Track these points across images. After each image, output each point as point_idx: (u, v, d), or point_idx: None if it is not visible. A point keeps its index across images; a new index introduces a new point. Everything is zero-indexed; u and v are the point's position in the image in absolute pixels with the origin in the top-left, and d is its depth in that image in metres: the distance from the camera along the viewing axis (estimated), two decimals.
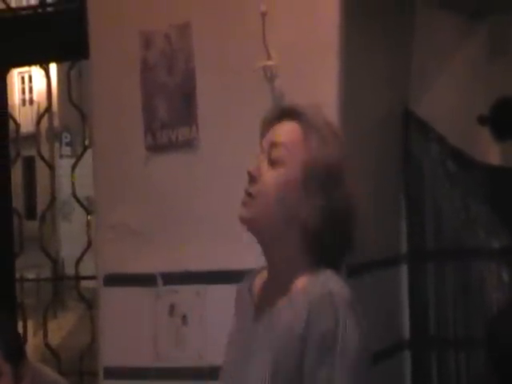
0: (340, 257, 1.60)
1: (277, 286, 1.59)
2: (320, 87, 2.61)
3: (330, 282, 1.52)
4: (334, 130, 1.62)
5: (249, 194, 1.58)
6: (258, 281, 1.68)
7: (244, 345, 1.60)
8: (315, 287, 1.52)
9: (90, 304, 3.74)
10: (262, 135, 1.64)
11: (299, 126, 1.59)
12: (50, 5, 3.81)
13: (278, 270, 1.60)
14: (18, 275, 4.09)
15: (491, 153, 3.12)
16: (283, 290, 1.57)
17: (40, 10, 3.74)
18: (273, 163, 1.58)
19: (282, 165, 1.57)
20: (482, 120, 3.07)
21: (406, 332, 3.00)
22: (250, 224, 1.59)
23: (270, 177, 1.57)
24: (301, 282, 1.55)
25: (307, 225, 1.56)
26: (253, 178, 1.58)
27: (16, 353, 2.18)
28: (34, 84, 22.30)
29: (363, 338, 1.50)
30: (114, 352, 2.89)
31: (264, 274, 1.67)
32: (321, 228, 1.56)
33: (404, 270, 3.00)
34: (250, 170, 1.59)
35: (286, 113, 1.63)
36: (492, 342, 2.21)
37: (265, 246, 1.61)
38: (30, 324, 4.25)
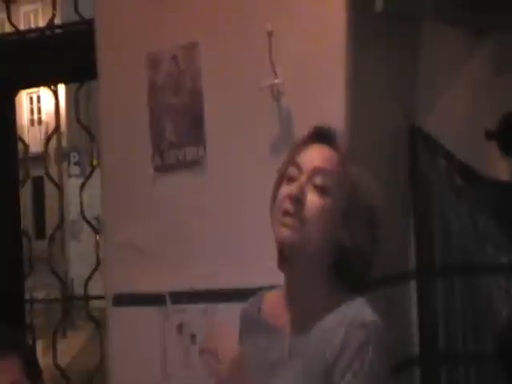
0: (362, 281, 1.63)
1: (301, 310, 1.59)
2: (327, 104, 2.62)
3: (363, 312, 1.55)
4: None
5: (294, 216, 1.56)
6: (269, 304, 1.66)
7: (262, 367, 1.59)
8: (348, 317, 1.53)
9: (99, 324, 3.74)
10: (296, 152, 1.64)
11: (335, 154, 1.63)
12: (57, 27, 3.85)
13: (302, 295, 1.59)
14: (27, 296, 4.09)
15: (499, 168, 3.12)
16: (310, 317, 1.57)
17: (48, 32, 3.77)
18: (319, 190, 1.58)
19: (328, 195, 1.59)
20: (489, 135, 3.07)
21: (416, 348, 2.98)
22: (293, 250, 1.57)
23: (318, 206, 1.58)
24: (332, 311, 1.55)
25: (343, 253, 1.58)
26: (299, 201, 1.57)
27: (35, 371, 2.19)
28: (43, 104, 22.42)
29: (387, 374, 1.54)
30: (123, 372, 2.89)
31: (274, 297, 1.66)
32: (354, 255, 1.59)
33: (412, 286, 2.99)
34: (295, 192, 1.58)
35: (319, 134, 1.65)
36: (503, 352, 2.19)
37: (293, 272, 1.60)
38: (39, 344, 4.25)
